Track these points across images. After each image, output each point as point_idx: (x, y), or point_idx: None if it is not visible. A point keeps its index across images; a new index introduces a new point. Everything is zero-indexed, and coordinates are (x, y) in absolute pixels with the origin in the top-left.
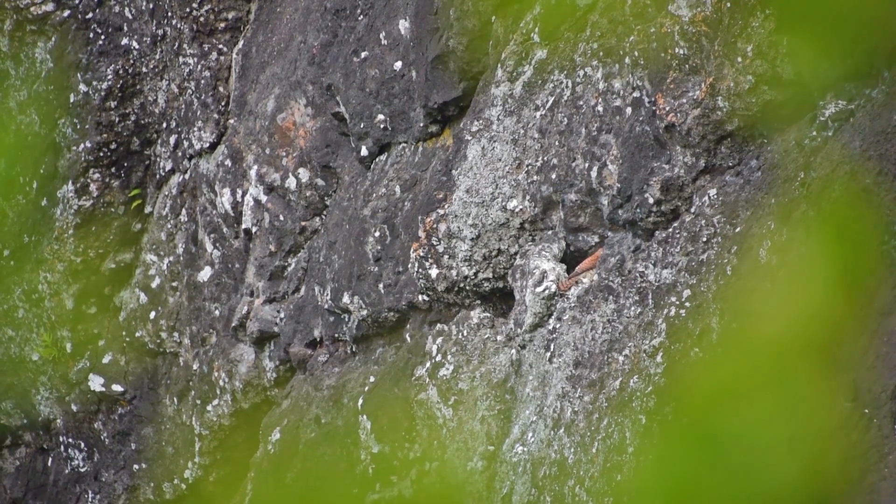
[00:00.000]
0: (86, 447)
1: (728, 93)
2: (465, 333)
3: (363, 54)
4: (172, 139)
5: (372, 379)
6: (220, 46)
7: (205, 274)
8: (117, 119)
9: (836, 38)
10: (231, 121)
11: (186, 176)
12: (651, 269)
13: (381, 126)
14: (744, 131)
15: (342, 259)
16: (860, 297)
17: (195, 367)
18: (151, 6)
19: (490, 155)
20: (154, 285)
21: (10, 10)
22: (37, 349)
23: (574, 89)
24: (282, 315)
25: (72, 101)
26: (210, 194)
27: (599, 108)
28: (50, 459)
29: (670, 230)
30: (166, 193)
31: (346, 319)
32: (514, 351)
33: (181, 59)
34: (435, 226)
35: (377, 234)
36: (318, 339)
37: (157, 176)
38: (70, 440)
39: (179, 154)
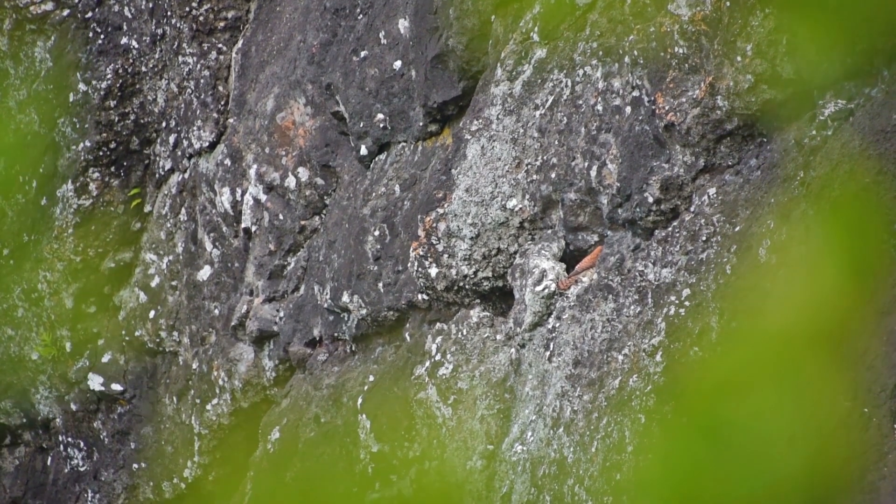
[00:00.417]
0: (85, 446)
1: (727, 92)
2: (464, 332)
3: (363, 53)
4: (172, 138)
5: (371, 378)
6: (220, 46)
7: (204, 273)
8: (117, 118)
9: (835, 37)
10: (230, 120)
11: (186, 175)
12: (650, 268)
13: (381, 125)
14: (743, 130)
15: (342, 258)
16: (860, 296)
17: (194, 366)
18: (151, 5)
19: (489, 154)
20: (153, 284)
21: (10, 9)
22: (36, 348)
23: (573, 88)
24: (281, 314)
25: (71, 100)
26: (209, 193)
27: (599, 107)
28: (49, 458)
29: (670, 229)
30: (166, 192)
31: (346, 318)
32: (513, 350)
33: (181, 59)
34: (434, 225)
35: (377, 233)
36: (317, 339)
37: (157, 175)
38: (69, 439)
39: (179, 153)
